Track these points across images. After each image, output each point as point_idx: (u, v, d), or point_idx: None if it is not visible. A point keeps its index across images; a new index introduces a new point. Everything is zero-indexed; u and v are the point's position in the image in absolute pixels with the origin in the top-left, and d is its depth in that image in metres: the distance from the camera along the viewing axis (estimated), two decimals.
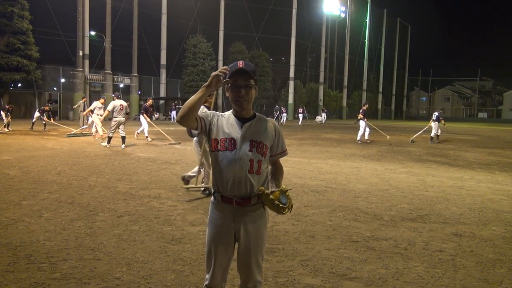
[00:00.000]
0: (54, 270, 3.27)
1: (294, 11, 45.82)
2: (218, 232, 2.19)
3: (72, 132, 15.58)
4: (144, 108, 15.53)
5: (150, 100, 16.14)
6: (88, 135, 15.92)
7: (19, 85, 29.81)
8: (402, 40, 70.33)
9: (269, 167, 2.29)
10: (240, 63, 2.13)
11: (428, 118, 72.84)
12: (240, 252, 2.20)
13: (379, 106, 66.10)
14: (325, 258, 3.71)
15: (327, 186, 7.03)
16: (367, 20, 61.45)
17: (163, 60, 38.31)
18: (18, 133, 16.41)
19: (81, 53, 30.62)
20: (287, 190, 2.12)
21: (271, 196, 2.07)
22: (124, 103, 12.49)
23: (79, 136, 15.44)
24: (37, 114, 19.25)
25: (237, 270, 2.27)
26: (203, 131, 2.16)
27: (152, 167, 8.58)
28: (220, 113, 2.24)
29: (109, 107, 12.30)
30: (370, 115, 61.49)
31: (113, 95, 13.01)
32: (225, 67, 2.11)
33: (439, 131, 17.86)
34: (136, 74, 35.66)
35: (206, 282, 2.24)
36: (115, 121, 12.10)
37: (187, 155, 10.85)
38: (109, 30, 32.76)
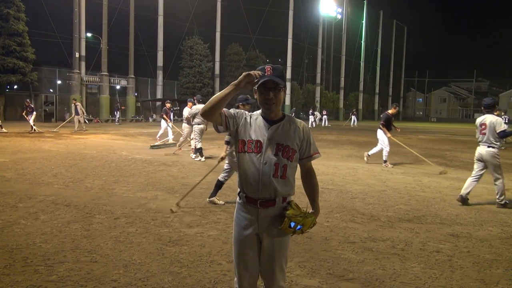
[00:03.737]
0: (51, 273, 3.25)
1: (291, 13, 45.84)
2: (243, 233, 2.17)
3: (155, 144, 13.31)
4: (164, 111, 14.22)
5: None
6: (172, 146, 13.26)
7: (15, 87, 29.69)
8: (398, 41, 70.53)
9: (299, 171, 2.27)
10: (268, 69, 2.10)
11: (425, 119, 72.67)
12: (264, 255, 2.17)
13: (376, 107, 66.25)
14: (322, 259, 3.71)
15: (324, 187, 7.04)
16: (364, 21, 61.61)
17: (160, 62, 38.23)
18: (13, 135, 16.34)
19: (77, 55, 30.49)
20: (304, 218, 2.14)
21: (287, 212, 2.12)
22: None
23: (162, 147, 13.05)
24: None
25: (260, 274, 2.23)
26: (228, 129, 2.14)
27: (148, 169, 8.56)
28: (249, 113, 2.21)
29: (192, 112, 10.73)
30: (366, 116, 61.88)
31: (194, 99, 11.07)
32: (258, 71, 2.07)
33: None
34: (133, 76, 35.57)
35: (236, 286, 2.25)
36: (198, 128, 10.44)
37: (184, 157, 10.83)
38: (106, 31, 32.66)
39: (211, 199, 5.75)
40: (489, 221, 5.17)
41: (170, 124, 14.00)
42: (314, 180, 2.32)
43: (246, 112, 2.21)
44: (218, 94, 2.07)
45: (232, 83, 2.05)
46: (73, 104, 20.68)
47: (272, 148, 2.10)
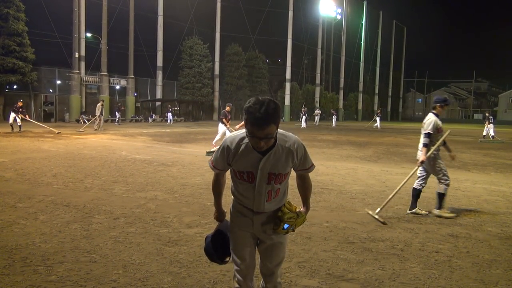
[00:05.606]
0: (50, 273, 3.25)
1: (291, 13, 45.87)
2: (238, 230, 2.21)
3: (211, 150, 12.48)
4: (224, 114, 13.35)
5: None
6: None
7: (15, 87, 29.66)
8: (398, 42, 70.56)
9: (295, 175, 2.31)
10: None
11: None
12: (262, 252, 2.22)
13: (375, 108, 66.27)
14: (321, 260, 3.71)
15: (324, 188, 7.04)
16: (363, 22, 61.63)
17: (160, 62, 38.23)
18: (13, 135, 16.32)
19: (77, 55, 30.48)
20: (294, 219, 2.16)
21: (281, 212, 2.14)
22: None
23: None
24: (13, 115, 18.16)
25: (259, 271, 2.29)
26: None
27: (148, 169, 8.55)
28: (239, 138, 2.06)
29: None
30: (366, 117, 61.88)
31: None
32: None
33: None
34: (133, 76, 35.54)
35: (235, 284, 2.30)
36: None
37: (184, 157, 10.83)
38: (105, 31, 32.64)
39: (413, 210, 5.44)
40: (488, 222, 5.18)
41: (229, 128, 13.09)
42: (308, 182, 2.33)
43: (235, 139, 2.07)
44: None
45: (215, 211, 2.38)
46: (100, 105, 21.52)
47: (264, 178, 2.05)
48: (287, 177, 2.17)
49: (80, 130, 20.26)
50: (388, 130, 31.84)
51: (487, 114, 22.89)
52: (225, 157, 2.10)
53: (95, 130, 20.78)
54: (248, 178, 2.06)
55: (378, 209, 5.21)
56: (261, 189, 2.07)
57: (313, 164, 2.22)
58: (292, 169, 2.19)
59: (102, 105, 21.57)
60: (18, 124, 18.00)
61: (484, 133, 21.77)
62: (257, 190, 2.07)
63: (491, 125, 21.60)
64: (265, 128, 1.86)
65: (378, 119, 35.15)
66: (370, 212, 5.23)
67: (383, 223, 4.89)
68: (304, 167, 2.18)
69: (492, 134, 21.38)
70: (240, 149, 2.04)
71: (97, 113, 21.43)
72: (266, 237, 2.18)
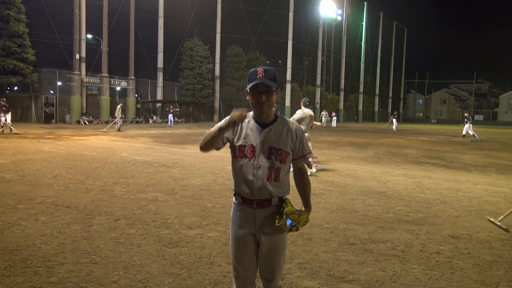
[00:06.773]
0: (51, 274, 3.25)
1: (291, 14, 45.89)
2: (239, 232, 2.19)
3: None
4: None
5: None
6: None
7: (16, 88, 29.70)
8: (398, 43, 70.58)
9: (292, 172, 2.30)
10: (260, 72, 2.06)
11: (425, 120, 72.49)
12: (262, 255, 2.19)
13: (376, 109, 66.27)
14: (322, 261, 3.70)
15: (324, 189, 7.04)
16: (364, 23, 61.67)
17: (160, 63, 38.26)
18: (14, 136, 16.33)
19: (77, 56, 30.50)
20: (298, 216, 2.15)
21: (285, 210, 2.14)
22: (312, 113, 9.18)
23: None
24: (2, 115, 17.66)
25: (258, 274, 2.26)
26: (225, 144, 2.17)
27: (149, 170, 8.55)
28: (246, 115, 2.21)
29: (297, 117, 8.67)
30: (366, 118, 61.84)
31: (302, 102, 9.02)
32: (244, 113, 2.02)
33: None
34: (133, 77, 35.55)
35: (234, 286, 2.28)
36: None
37: (184, 158, 10.83)
38: (106, 33, 32.66)
39: None
40: (489, 223, 5.17)
41: None
42: (307, 179, 2.34)
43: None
44: (207, 136, 2.09)
45: (219, 126, 2.05)
46: (119, 107, 22.58)
47: (265, 152, 2.11)
48: (288, 160, 2.16)
49: (104, 130, 21.20)
50: (389, 131, 31.84)
51: (466, 115, 24.59)
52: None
53: (117, 130, 21.51)
54: (249, 152, 2.11)
55: (501, 217, 5.14)
56: (262, 163, 2.09)
57: (310, 151, 2.32)
58: (291, 159, 2.21)
59: (121, 107, 22.42)
60: (9, 125, 17.88)
61: (471, 132, 22.85)
62: (258, 163, 2.09)
63: (471, 125, 23.14)
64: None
65: (394, 120, 35.46)
66: (492, 219, 5.18)
67: (506, 230, 4.85)
68: (303, 153, 2.24)
69: (464, 133, 22.98)
70: (245, 123, 2.15)
71: (117, 115, 22.20)
72: (267, 236, 2.15)
